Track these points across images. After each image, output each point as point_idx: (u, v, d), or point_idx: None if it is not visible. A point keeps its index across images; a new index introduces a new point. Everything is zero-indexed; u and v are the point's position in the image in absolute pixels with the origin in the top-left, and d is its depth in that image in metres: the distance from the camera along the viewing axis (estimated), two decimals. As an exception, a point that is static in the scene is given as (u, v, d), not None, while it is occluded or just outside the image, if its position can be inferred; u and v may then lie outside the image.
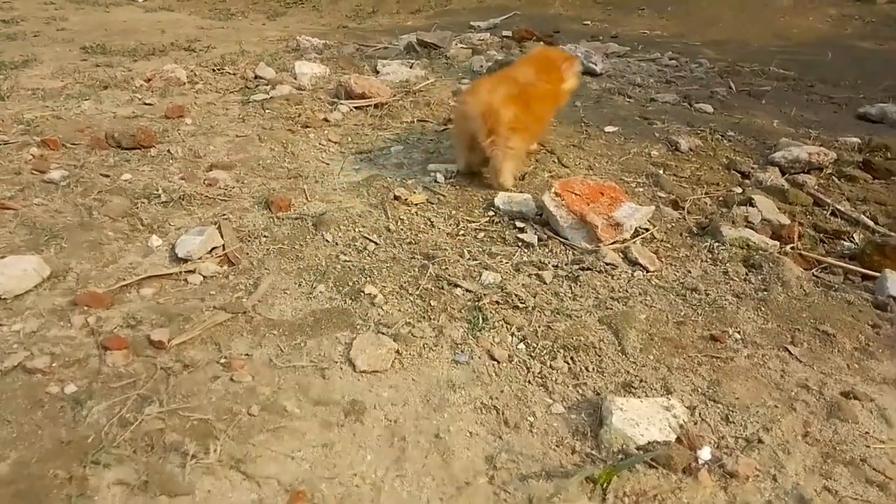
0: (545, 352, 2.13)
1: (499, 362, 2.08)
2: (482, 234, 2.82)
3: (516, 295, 2.37)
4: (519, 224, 2.87)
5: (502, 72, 3.37)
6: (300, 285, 2.43)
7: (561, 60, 3.43)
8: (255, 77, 4.98)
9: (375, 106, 4.38)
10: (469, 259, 2.62)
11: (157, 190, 3.08)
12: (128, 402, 1.87)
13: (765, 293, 2.44)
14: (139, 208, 2.94)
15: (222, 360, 2.05)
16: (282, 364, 2.04)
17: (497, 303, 2.35)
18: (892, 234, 2.92)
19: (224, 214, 2.89)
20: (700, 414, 1.89)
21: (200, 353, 2.09)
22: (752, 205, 3.02)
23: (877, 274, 2.58)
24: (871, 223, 3.01)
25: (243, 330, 2.19)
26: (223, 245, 2.65)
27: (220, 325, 2.20)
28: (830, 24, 7.07)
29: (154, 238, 2.70)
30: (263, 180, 3.27)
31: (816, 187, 3.31)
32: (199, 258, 2.57)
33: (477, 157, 3.17)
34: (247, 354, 2.08)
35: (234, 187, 3.18)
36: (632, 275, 2.55)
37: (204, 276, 2.48)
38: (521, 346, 2.16)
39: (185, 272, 2.50)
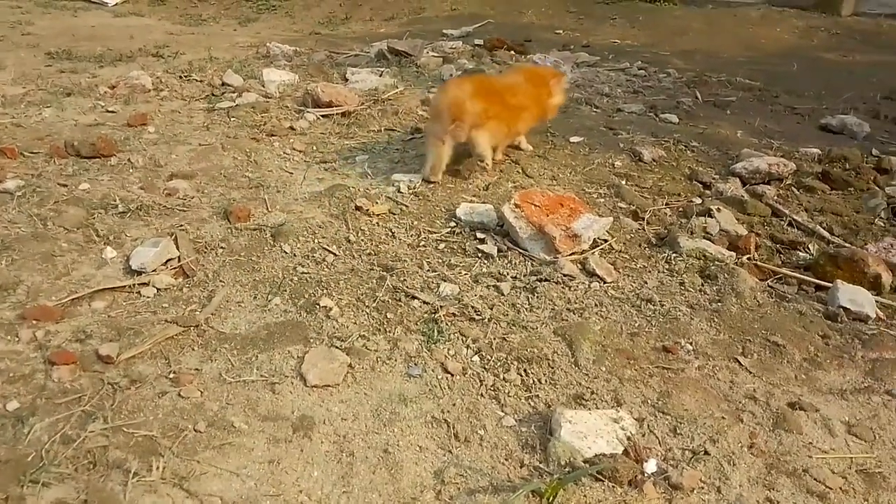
0: (499, 364, 2.13)
1: (452, 375, 2.08)
2: (443, 245, 2.82)
3: (473, 307, 2.38)
4: (480, 235, 2.88)
5: (484, 75, 3.48)
6: (255, 298, 2.41)
7: (550, 76, 3.69)
8: (223, 84, 4.94)
9: (343, 114, 4.37)
10: (428, 270, 2.62)
11: (115, 200, 3.04)
12: (72, 419, 1.84)
13: (719, 304, 2.47)
14: (95, 219, 2.90)
15: (171, 375, 2.02)
16: (231, 379, 2.01)
17: (454, 315, 2.35)
18: (847, 244, 2.97)
19: (182, 225, 2.86)
20: (648, 426, 1.90)
21: (149, 367, 2.06)
22: (710, 216, 3.05)
23: (829, 284, 2.62)
24: (826, 234, 3.06)
25: (194, 344, 2.17)
26: (178, 257, 2.62)
27: (170, 339, 2.18)
28: (797, 36, 7.19)
29: (109, 250, 2.66)
30: (224, 190, 3.24)
31: (775, 198, 3.35)
32: (154, 270, 2.53)
33: (447, 153, 3.28)
34: (196, 369, 2.06)
35: (193, 197, 3.15)
36: (589, 286, 2.56)
37: (158, 289, 2.45)
38: (476, 358, 2.16)
39: (138, 285, 2.47)
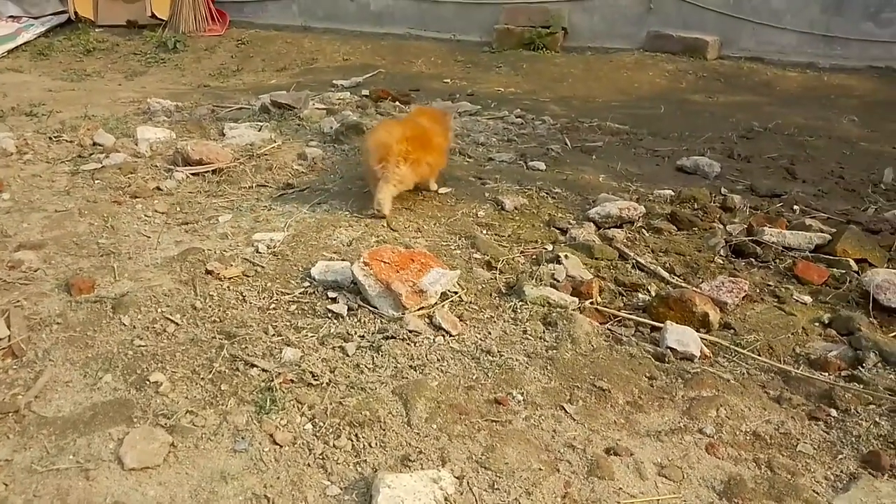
0: (331, 430, 2.14)
1: (280, 446, 2.07)
2: (294, 307, 2.83)
3: (311, 372, 2.38)
4: (332, 294, 2.90)
5: (403, 118, 4.20)
6: (85, 376, 2.34)
7: (442, 115, 4.34)
8: (94, 144, 4.82)
9: (214, 172, 4.33)
10: (273, 335, 2.61)
11: (-50, 276, 2.90)
12: None
13: (554, 351, 2.57)
14: (-75, 298, 2.76)
15: (-23, 469, 1.93)
16: (42, 468, 1.94)
17: (291, 381, 2.35)
18: (684, 284, 3.16)
19: (18, 301, 2.75)
20: (468, 483, 1.95)
21: (-44, 461, 1.96)
22: (559, 262, 3.19)
23: (662, 325, 2.77)
24: (666, 274, 3.24)
25: (10, 431, 2.08)
26: (9, 336, 2.52)
27: (-16, 428, 2.08)
28: (668, 79, 7.67)
29: (-68, 332, 2.53)
30: (73, 259, 3.15)
31: (624, 241, 3.54)
32: (-21, 352, 2.43)
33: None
34: (7, 460, 1.97)
35: (38, 269, 3.04)
36: (433, 341, 2.62)
37: (-19, 373, 2.34)
38: (309, 426, 2.16)
39: (-41, 369, 2.35)
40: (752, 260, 3.43)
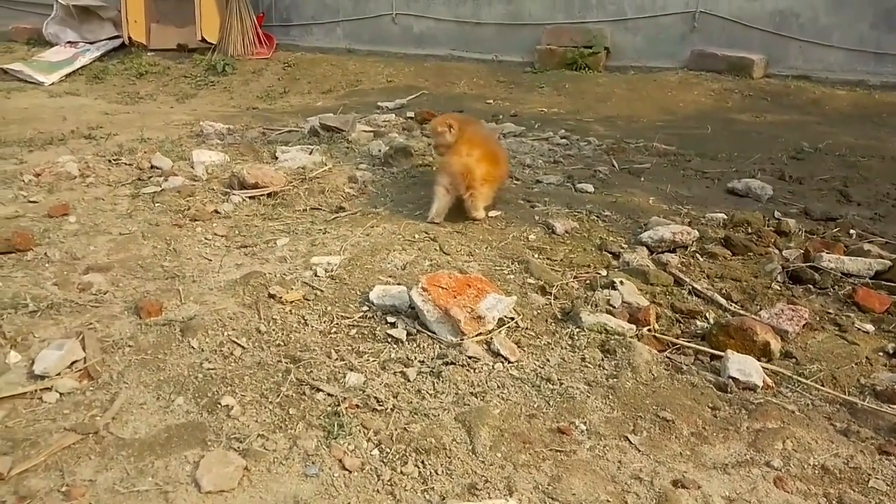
0: (398, 457, 2.17)
1: (350, 472, 2.11)
2: (354, 331, 2.88)
3: (376, 397, 2.42)
4: (390, 319, 2.94)
5: (469, 133, 4.23)
6: (158, 399, 2.42)
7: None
8: (151, 167, 4.98)
9: (269, 195, 4.45)
10: (336, 359, 2.66)
11: (26, 299, 3.03)
12: (-48, 545, 1.81)
13: (615, 380, 2.57)
14: (4, 320, 2.88)
15: (63, 489, 2.01)
16: (124, 489, 2.01)
17: (357, 406, 2.39)
18: (742, 311, 3.13)
19: (91, 323, 2.86)
20: (536, 514, 1.96)
21: (42, 481, 2.04)
22: (614, 287, 3.19)
23: (723, 354, 2.75)
24: (723, 301, 3.22)
25: (92, 452, 2.16)
26: (84, 358, 2.62)
27: (67, 449, 2.16)
28: (713, 98, 7.61)
29: (13, 353, 2.64)
30: (140, 282, 3.26)
31: (678, 266, 3.52)
32: (58, 374, 2.52)
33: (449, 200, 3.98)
34: (91, 480, 2.05)
35: (107, 292, 3.15)
36: (493, 367, 2.64)
37: (60, 394, 2.44)
38: (376, 451, 2.20)
39: (40, 390, 2.45)
40: (810, 286, 3.38)
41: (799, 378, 2.64)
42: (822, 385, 2.62)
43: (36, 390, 2.44)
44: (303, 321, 2.93)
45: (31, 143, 5.77)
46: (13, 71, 8.96)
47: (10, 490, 2.00)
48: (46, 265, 3.40)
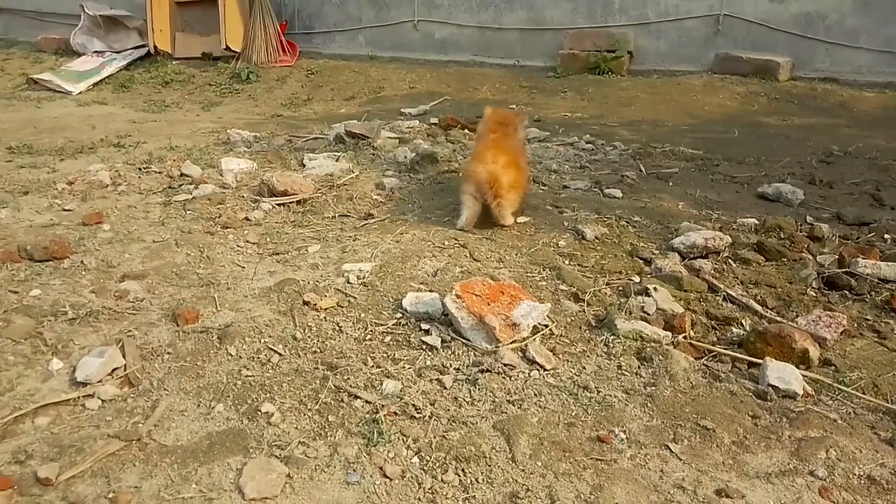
0: (437, 465, 2.17)
1: (391, 479, 2.11)
2: (389, 338, 2.89)
3: (414, 405, 2.43)
4: (425, 326, 2.95)
5: (491, 139, 4.18)
6: (198, 406, 2.44)
7: (514, 116, 4.57)
8: (181, 175, 5.05)
9: (298, 202, 4.48)
10: (372, 367, 2.67)
11: (65, 306, 3.08)
12: (4, 550, 1.84)
13: (653, 388, 2.55)
14: (45, 327, 2.93)
15: (110, 495, 2.03)
16: (169, 496, 2.03)
17: (395, 413, 2.40)
18: (779, 318, 3.09)
19: (129, 331, 2.90)
20: (580, 523, 1.95)
21: (89, 487, 2.07)
22: (648, 294, 3.17)
23: (761, 361, 2.72)
24: (759, 308, 3.18)
25: (136, 459, 2.19)
26: (125, 365, 2.65)
27: (112, 455, 2.19)
28: (739, 102, 7.55)
29: (55, 361, 2.68)
30: (175, 289, 3.30)
31: (711, 272, 3.49)
32: (100, 381, 2.56)
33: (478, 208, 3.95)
34: (136, 487, 2.07)
35: (143, 299, 3.20)
36: (528, 375, 2.63)
37: (102, 401, 2.47)
38: (416, 459, 2.20)
39: (83, 397, 2.49)
40: (847, 293, 3.34)
41: (839, 386, 2.61)
42: (864, 393, 2.59)
43: (79, 397, 2.48)
44: (338, 328, 2.94)
45: (62, 151, 5.87)
46: (43, 81, 9.14)
47: (59, 496, 2.03)
48: (83, 273, 3.45)
